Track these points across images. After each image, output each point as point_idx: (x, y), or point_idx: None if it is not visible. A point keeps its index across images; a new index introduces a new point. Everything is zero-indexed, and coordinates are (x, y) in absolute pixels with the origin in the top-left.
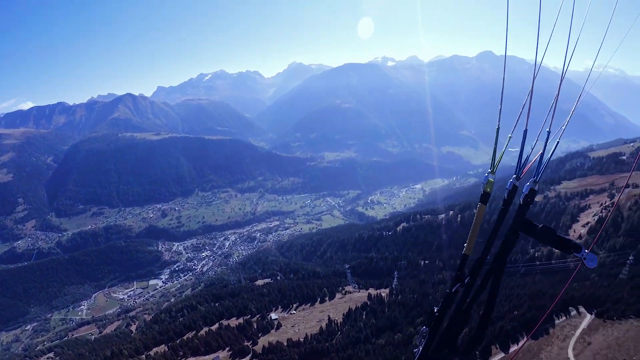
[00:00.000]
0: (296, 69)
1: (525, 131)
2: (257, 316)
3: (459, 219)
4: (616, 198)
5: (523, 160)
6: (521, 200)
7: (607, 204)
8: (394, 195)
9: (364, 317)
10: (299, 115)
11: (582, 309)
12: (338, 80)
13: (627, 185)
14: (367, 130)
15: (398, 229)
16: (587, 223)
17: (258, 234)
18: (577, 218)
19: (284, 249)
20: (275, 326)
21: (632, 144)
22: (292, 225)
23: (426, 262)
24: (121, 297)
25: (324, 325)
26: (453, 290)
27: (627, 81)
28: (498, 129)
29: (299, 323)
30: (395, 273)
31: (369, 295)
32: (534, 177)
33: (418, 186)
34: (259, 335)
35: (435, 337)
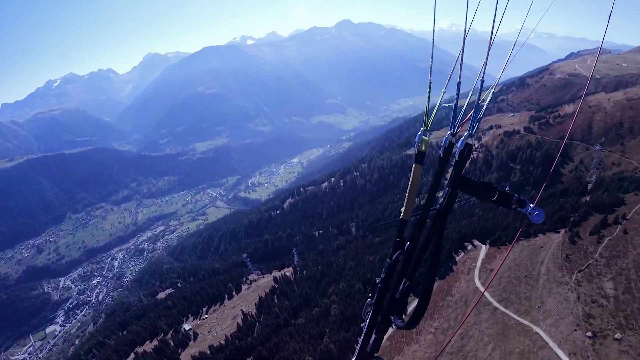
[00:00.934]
0: (152, 60)
1: (459, 84)
2: (171, 332)
3: (341, 184)
4: (485, 138)
5: (458, 115)
6: (457, 156)
7: (476, 145)
8: (274, 173)
9: (276, 301)
10: (162, 109)
11: (476, 242)
12: (198, 66)
13: (491, 127)
14: (235, 113)
15: (285, 206)
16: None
17: (146, 245)
18: (451, 163)
19: (177, 253)
20: (192, 337)
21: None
22: (178, 226)
23: (320, 232)
24: (21, 358)
25: (239, 321)
26: (393, 258)
27: (478, 36)
28: (430, 83)
29: (214, 326)
30: (294, 250)
31: (274, 278)
32: (468, 131)
33: (295, 160)
34: (179, 351)
35: (381, 309)
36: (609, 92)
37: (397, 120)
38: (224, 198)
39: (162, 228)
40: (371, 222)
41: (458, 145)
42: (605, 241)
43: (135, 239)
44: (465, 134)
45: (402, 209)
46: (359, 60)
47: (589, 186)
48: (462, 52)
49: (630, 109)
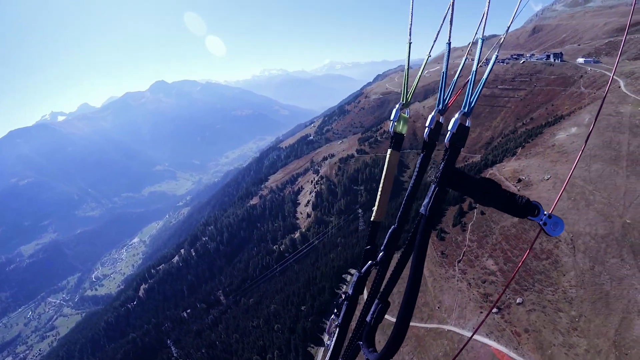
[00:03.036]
0: None
1: (449, 44)
2: None
3: (193, 254)
4: (322, 170)
5: (449, 88)
6: (448, 142)
7: (316, 179)
8: (117, 260)
9: None
10: None
11: (353, 271)
12: (6, 153)
13: (326, 158)
14: (58, 202)
15: (140, 294)
16: (308, 201)
17: None
18: (297, 202)
19: None
20: None
21: (312, 125)
22: (27, 351)
23: (188, 311)
24: None
25: None
26: (363, 270)
27: (290, 76)
28: (409, 44)
29: None
30: (168, 341)
31: None
32: (463, 109)
33: (136, 240)
34: None
35: (347, 329)
36: (421, 101)
37: (229, 174)
38: (70, 303)
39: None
40: (238, 285)
41: (450, 127)
42: (469, 227)
43: None
44: (459, 112)
45: (374, 208)
46: (179, 119)
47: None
48: (453, 2)
49: (421, 116)
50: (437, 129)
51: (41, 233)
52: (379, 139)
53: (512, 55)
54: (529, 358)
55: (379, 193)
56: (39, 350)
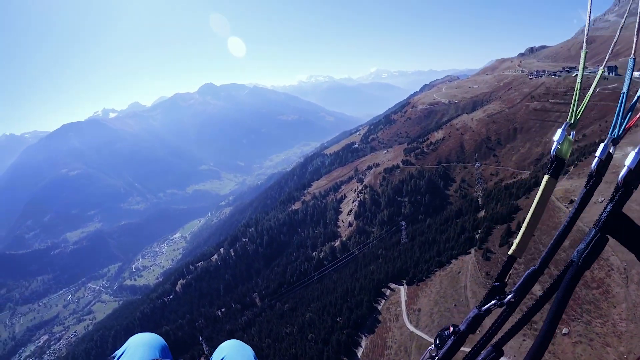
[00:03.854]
0: (7, 142)
1: (634, 60)
2: None
3: (232, 254)
4: (367, 179)
5: (627, 111)
6: (621, 180)
7: (359, 188)
8: (158, 253)
9: None
10: (24, 198)
11: (393, 285)
12: (59, 145)
13: (370, 167)
14: (105, 194)
15: (177, 288)
16: (351, 210)
17: None
18: (339, 209)
19: None
20: None
21: (357, 133)
22: (63, 332)
23: (222, 310)
24: None
25: None
26: (484, 309)
27: (336, 83)
28: (585, 53)
29: None
30: (200, 337)
31: None
32: (612, 135)
33: (177, 235)
34: None
35: None
36: (469, 113)
37: (273, 177)
38: (109, 290)
39: (45, 337)
40: (274, 289)
41: (628, 163)
42: None
43: (16, 357)
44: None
45: (515, 241)
46: (225, 122)
47: (480, 201)
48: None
49: (493, 123)
50: (608, 160)
51: (87, 222)
52: (425, 150)
53: (563, 68)
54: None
55: (525, 224)
56: (75, 332)
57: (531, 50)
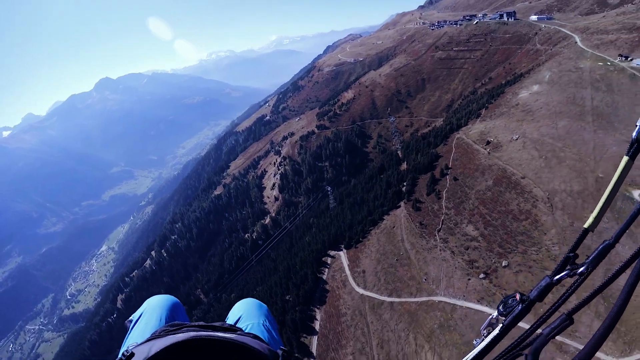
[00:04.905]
0: None
1: None
2: None
3: (165, 255)
4: (284, 150)
5: None
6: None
7: (278, 160)
8: (89, 272)
9: None
10: None
11: (332, 252)
12: None
13: (286, 137)
14: (17, 223)
15: (118, 305)
16: (274, 184)
17: None
18: (263, 186)
19: None
20: None
21: (266, 104)
22: None
23: None
24: None
25: None
26: (556, 278)
27: (238, 57)
28: None
29: None
30: None
31: None
32: None
33: (104, 248)
34: None
35: (508, 333)
36: (376, 69)
37: (189, 165)
38: (50, 326)
39: None
40: (216, 281)
41: None
42: (443, 195)
43: None
44: None
45: (592, 215)
46: (129, 116)
47: (399, 154)
48: None
49: (401, 77)
50: None
51: (5, 259)
52: (337, 112)
53: (464, 17)
54: (524, 319)
55: (602, 201)
56: None
57: (430, 2)
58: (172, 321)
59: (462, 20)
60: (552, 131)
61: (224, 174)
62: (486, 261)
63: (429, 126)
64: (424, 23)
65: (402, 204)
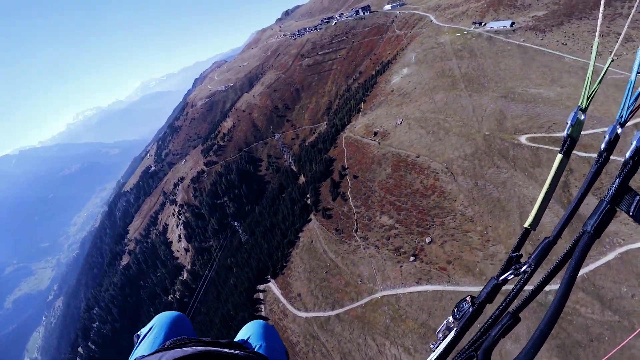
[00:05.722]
0: None
1: None
2: None
3: (94, 347)
4: (179, 197)
5: (633, 95)
6: (628, 155)
7: (176, 210)
8: None
9: None
10: None
11: (261, 286)
12: None
13: (177, 184)
14: None
15: None
16: (179, 236)
17: None
18: (169, 241)
19: None
20: None
21: (148, 155)
22: None
23: None
24: None
25: None
26: (501, 279)
27: (106, 112)
28: (597, 43)
29: None
30: None
31: None
32: (619, 118)
33: None
34: None
35: (463, 337)
36: (249, 91)
37: (86, 241)
38: None
39: None
40: None
41: (636, 142)
42: (349, 195)
43: None
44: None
45: (531, 214)
46: (4, 206)
47: (294, 168)
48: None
49: (275, 92)
50: (615, 141)
51: None
52: (221, 144)
53: (322, 20)
54: (463, 283)
55: (540, 200)
56: None
57: (287, 13)
58: (179, 336)
59: (321, 24)
60: (432, 106)
61: (125, 240)
62: (410, 244)
63: (314, 133)
64: (285, 35)
65: (312, 216)
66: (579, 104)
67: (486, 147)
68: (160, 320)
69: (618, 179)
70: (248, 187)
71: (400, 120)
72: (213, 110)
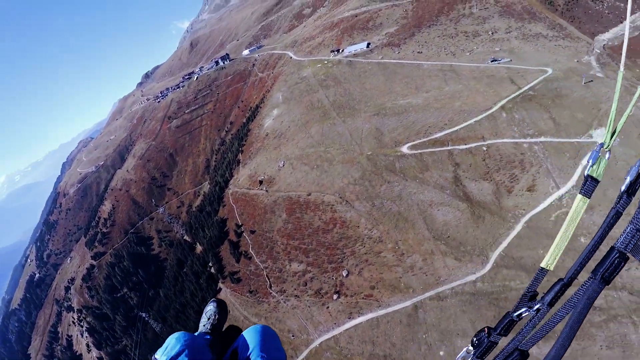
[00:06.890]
0: None
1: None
2: None
3: None
4: (75, 302)
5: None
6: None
7: (76, 317)
8: None
9: None
10: None
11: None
12: None
13: (68, 288)
14: None
15: None
16: (87, 345)
17: None
18: (77, 354)
19: None
20: None
21: (28, 261)
22: None
23: None
24: None
25: None
26: (516, 315)
27: None
28: (622, 74)
29: None
30: None
31: None
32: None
33: None
34: None
35: None
36: (122, 166)
37: None
38: None
39: None
40: None
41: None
42: (252, 252)
43: None
44: None
45: (549, 254)
46: None
47: (187, 238)
48: None
49: (149, 162)
50: (637, 181)
51: None
52: (104, 231)
53: (184, 77)
54: (394, 302)
55: (557, 240)
56: None
57: (147, 75)
58: (194, 357)
59: (183, 82)
60: (310, 140)
61: None
62: (329, 283)
63: (199, 196)
64: (148, 99)
65: (220, 285)
66: (602, 142)
67: (372, 166)
68: (174, 340)
69: (631, 225)
70: (145, 271)
71: (282, 162)
72: (87, 195)
